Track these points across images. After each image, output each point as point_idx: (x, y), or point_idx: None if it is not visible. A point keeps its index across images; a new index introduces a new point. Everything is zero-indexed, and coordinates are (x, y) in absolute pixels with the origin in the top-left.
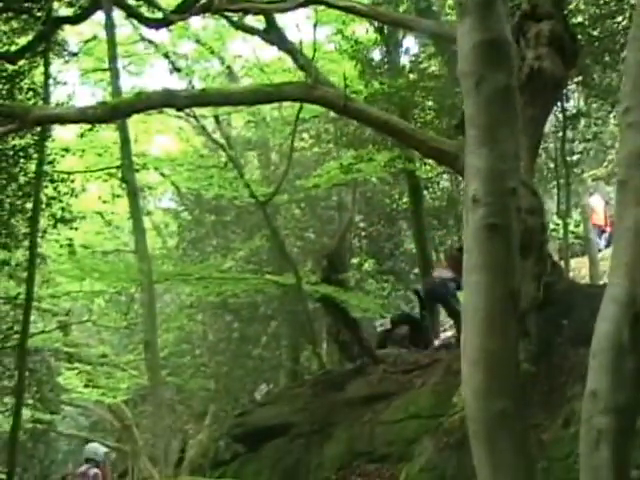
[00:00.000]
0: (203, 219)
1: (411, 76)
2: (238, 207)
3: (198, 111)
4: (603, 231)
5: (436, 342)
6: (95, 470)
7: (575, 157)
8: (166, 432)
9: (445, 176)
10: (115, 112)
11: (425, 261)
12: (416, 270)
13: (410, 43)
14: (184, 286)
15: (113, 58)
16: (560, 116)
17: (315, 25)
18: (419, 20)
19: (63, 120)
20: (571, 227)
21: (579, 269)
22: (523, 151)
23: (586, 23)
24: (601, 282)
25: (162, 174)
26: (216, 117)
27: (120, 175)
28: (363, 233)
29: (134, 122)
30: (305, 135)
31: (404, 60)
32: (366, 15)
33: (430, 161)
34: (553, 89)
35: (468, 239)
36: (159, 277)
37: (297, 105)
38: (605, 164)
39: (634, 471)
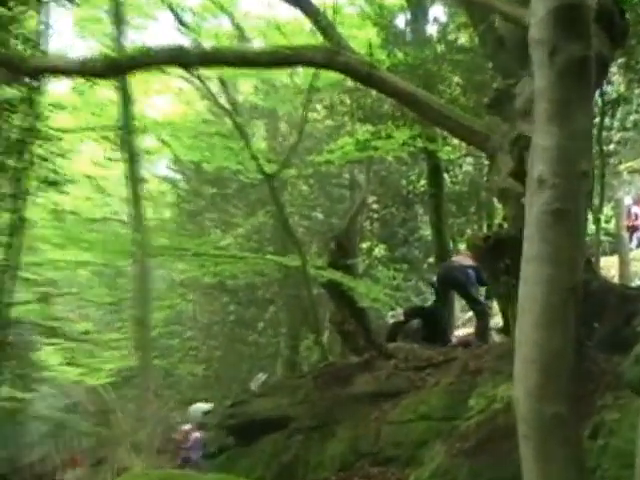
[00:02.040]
0: (202, 191)
1: (438, 48)
2: (241, 179)
3: (203, 73)
4: (635, 230)
5: (452, 338)
6: (196, 434)
7: (612, 146)
8: (152, 418)
9: (469, 159)
10: (117, 67)
11: (442, 250)
12: (431, 259)
13: (438, 12)
14: (178, 262)
15: (116, 6)
16: (599, 101)
17: None
18: None
19: (61, 72)
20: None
21: (608, 268)
22: None
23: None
24: (633, 284)
25: (160, 139)
26: (222, 80)
27: (116, 137)
28: (375, 216)
29: (133, 81)
30: (318, 106)
31: (431, 30)
32: None
33: (453, 142)
34: (599, 70)
35: (529, 225)
36: (153, 250)
37: (310, 73)
38: None
39: None
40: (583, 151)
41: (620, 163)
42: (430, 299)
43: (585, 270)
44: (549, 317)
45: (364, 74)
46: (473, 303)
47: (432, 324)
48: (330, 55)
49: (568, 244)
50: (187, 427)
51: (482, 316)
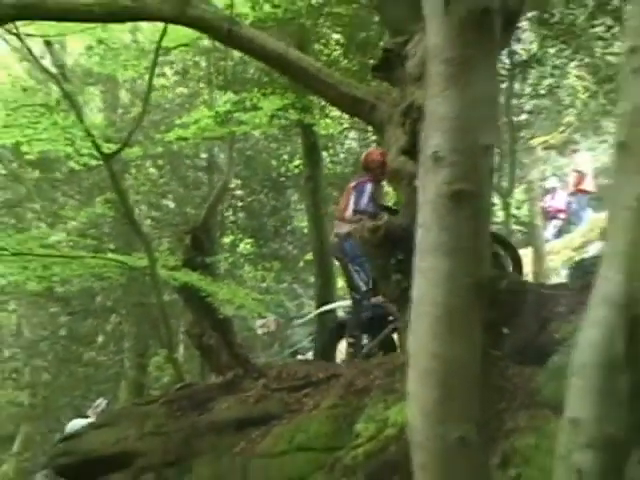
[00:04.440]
0: (23, 174)
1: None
2: (72, 160)
3: (22, 29)
4: (553, 217)
5: None
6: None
7: (523, 117)
8: None
9: (352, 134)
10: None
11: (320, 243)
12: (308, 255)
13: None
14: None
15: None
16: (507, 62)
17: None
18: None
19: None
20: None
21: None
22: None
23: None
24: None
25: None
26: (46, 40)
27: None
28: (240, 204)
29: None
30: (167, 70)
31: None
32: None
33: (333, 114)
34: (505, 25)
35: (424, 211)
36: None
37: (157, 28)
38: (561, 129)
39: None
40: (487, 121)
41: (533, 137)
42: (308, 304)
43: (492, 265)
44: (449, 321)
45: (223, 31)
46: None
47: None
48: (180, 7)
49: (471, 232)
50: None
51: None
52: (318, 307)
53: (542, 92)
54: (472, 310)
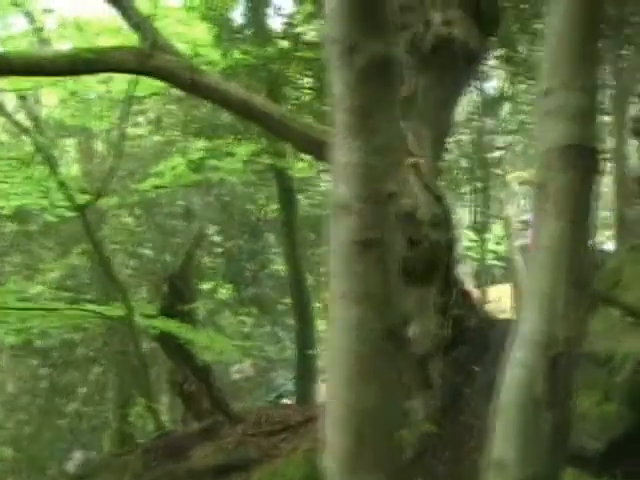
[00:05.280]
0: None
1: (283, 44)
2: (47, 213)
3: None
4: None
5: None
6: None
7: (497, 153)
8: None
9: (327, 176)
10: None
11: (298, 287)
12: (287, 299)
13: (282, 1)
14: None
15: None
16: (478, 99)
17: None
18: None
19: None
20: (491, 245)
21: (501, 298)
22: (426, 144)
23: None
24: None
25: None
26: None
27: None
28: (219, 250)
29: None
30: (141, 119)
31: (276, 23)
32: None
33: (307, 157)
34: (467, 64)
35: (333, 259)
36: None
37: (130, 78)
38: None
39: None
40: (390, 169)
41: (507, 173)
42: (290, 347)
43: (461, 304)
44: (360, 369)
45: (186, 81)
46: None
47: None
48: (142, 58)
49: (378, 279)
50: None
51: None
52: (299, 350)
53: (514, 128)
54: (384, 357)
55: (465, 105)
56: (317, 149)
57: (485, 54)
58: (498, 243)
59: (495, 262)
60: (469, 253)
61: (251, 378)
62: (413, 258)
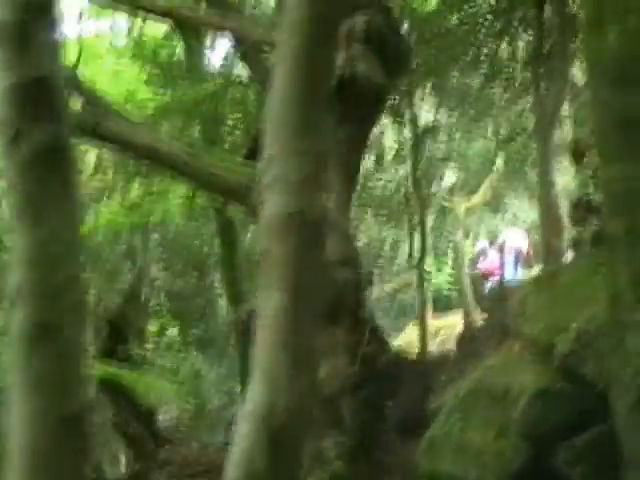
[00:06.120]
0: None
1: (216, 83)
2: None
3: None
4: (487, 277)
5: None
6: None
7: (436, 185)
8: None
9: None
10: None
11: (240, 324)
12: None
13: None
14: None
15: None
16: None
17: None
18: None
19: None
20: (445, 272)
21: (453, 327)
22: (335, 183)
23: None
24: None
25: None
26: None
27: None
28: (163, 288)
29: None
30: (81, 162)
31: (215, 62)
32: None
33: None
34: (373, 101)
35: (14, 343)
36: None
37: None
38: (483, 189)
39: None
40: (67, 255)
41: (450, 202)
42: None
43: (371, 342)
44: (35, 461)
45: (89, 126)
46: None
47: None
48: None
49: (55, 366)
50: None
51: None
52: (243, 387)
53: (449, 156)
54: (61, 446)
55: (399, 137)
56: (226, 191)
57: (391, 89)
58: (450, 275)
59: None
60: (425, 281)
61: (189, 420)
62: None
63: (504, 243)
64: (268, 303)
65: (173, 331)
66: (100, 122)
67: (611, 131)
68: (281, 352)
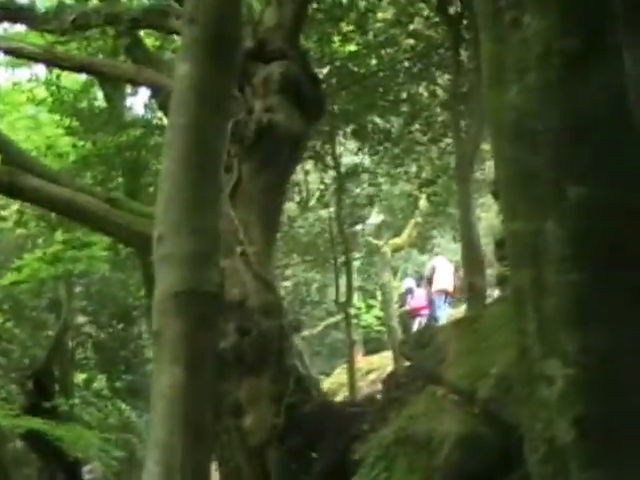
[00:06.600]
0: None
1: (138, 131)
2: None
3: None
4: (415, 316)
5: None
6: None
7: (361, 226)
8: None
9: None
10: None
11: None
12: None
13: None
14: None
15: None
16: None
17: None
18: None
19: None
20: (374, 312)
21: (385, 367)
22: (255, 231)
23: (362, 52)
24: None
25: None
26: None
27: None
28: (89, 339)
29: None
30: (5, 212)
31: (136, 109)
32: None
33: None
34: (291, 148)
35: None
36: None
37: None
38: (409, 229)
39: None
40: None
41: (377, 242)
42: None
43: (296, 390)
44: None
45: (4, 184)
46: None
47: None
48: None
49: None
50: None
51: None
52: None
53: (374, 198)
54: None
55: (323, 180)
56: (142, 242)
57: (308, 136)
58: (378, 315)
59: (381, 329)
60: (352, 323)
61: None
62: (243, 347)
63: (433, 272)
64: (163, 379)
65: (101, 382)
66: (14, 179)
67: (512, 187)
68: (177, 427)
